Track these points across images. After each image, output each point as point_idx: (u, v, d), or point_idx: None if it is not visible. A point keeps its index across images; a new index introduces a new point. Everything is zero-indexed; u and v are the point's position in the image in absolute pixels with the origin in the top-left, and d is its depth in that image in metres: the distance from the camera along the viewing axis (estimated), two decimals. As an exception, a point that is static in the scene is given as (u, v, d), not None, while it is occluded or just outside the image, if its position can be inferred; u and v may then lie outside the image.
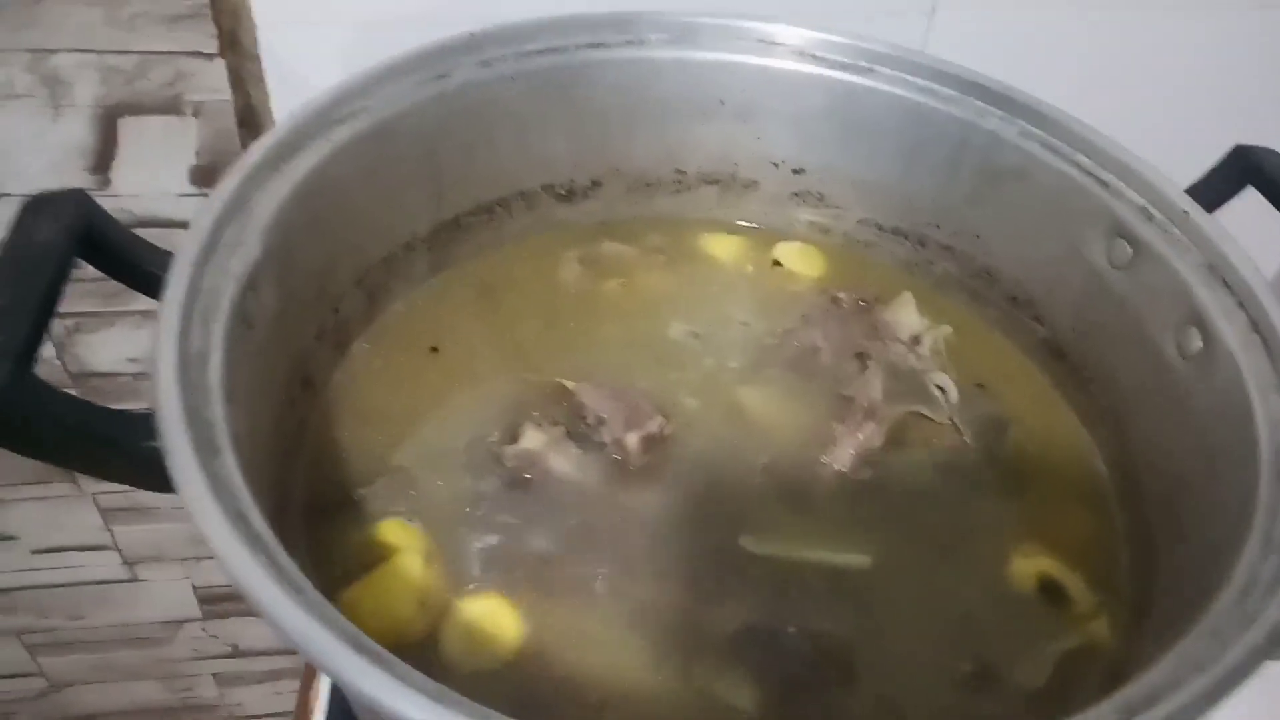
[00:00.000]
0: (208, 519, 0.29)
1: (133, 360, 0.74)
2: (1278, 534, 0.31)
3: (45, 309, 0.34)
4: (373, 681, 0.26)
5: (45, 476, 0.84)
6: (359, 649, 0.26)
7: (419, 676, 0.26)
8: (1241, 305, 0.39)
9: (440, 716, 0.25)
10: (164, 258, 0.39)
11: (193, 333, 0.35)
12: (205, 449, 0.32)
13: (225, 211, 0.39)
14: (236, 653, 1.07)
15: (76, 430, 0.33)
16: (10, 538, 0.89)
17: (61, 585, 0.95)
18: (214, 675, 1.10)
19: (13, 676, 1.05)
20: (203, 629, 1.03)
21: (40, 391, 0.33)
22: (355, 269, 0.49)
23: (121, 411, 0.34)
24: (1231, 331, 0.39)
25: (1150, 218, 0.44)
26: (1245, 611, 0.29)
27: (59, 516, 0.88)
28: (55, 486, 0.85)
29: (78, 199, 0.38)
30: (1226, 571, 0.31)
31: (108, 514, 0.88)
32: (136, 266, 0.40)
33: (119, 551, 0.92)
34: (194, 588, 0.98)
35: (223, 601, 1.00)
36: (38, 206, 0.38)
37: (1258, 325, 0.38)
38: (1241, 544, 0.31)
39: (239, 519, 0.30)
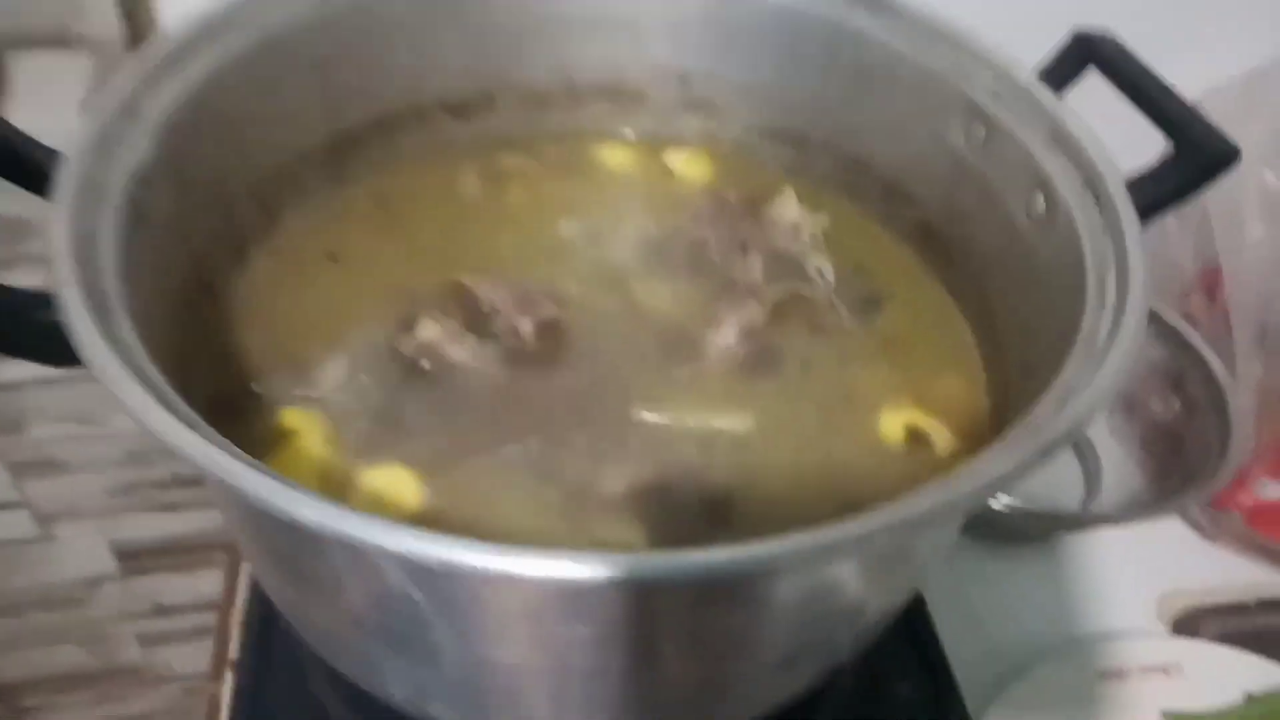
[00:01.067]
0: (111, 371, 0.31)
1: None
2: (1095, 353, 0.36)
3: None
4: (310, 506, 0.28)
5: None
6: (261, 470, 0.29)
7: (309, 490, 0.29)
8: (1077, 165, 0.43)
9: (376, 527, 0.28)
10: (55, 156, 0.41)
11: (85, 217, 0.37)
12: (102, 314, 0.34)
13: (118, 112, 0.41)
14: (158, 611, 1.08)
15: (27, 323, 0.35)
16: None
17: (-32, 549, 0.95)
18: (137, 636, 1.10)
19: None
20: (122, 587, 1.04)
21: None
22: (249, 178, 0.50)
23: (16, 288, 0.36)
24: (1069, 188, 0.43)
25: (1000, 98, 0.48)
26: (1062, 412, 0.33)
27: (-36, 474, 0.88)
28: (-43, 441, 0.85)
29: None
30: (1051, 383, 0.35)
31: (15, 469, 0.88)
32: (28, 163, 0.41)
33: (29, 509, 0.93)
34: (110, 544, 0.99)
35: (141, 557, 1.01)
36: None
37: (1090, 182, 0.42)
38: (1064, 359, 0.35)
39: (140, 373, 0.32)
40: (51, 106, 0.65)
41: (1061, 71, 0.50)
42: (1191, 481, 0.69)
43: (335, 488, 0.42)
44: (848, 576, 0.36)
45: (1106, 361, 0.33)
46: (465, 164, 0.59)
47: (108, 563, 1.00)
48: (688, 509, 0.42)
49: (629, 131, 0.62)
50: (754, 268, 0.51)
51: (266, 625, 0.60)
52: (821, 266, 0.53)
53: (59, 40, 0.62)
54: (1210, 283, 0.77)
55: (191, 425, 0.30)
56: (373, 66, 0.54)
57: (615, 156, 0.61)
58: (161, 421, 0.30)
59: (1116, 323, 0.35)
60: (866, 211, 0.57)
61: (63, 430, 0.86)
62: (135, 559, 1.01)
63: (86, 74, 0.64)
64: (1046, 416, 0.33)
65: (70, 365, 0.35)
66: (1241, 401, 0.69)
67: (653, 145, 0.61)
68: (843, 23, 0.53)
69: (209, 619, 1.09)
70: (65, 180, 0.38)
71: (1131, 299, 0.36)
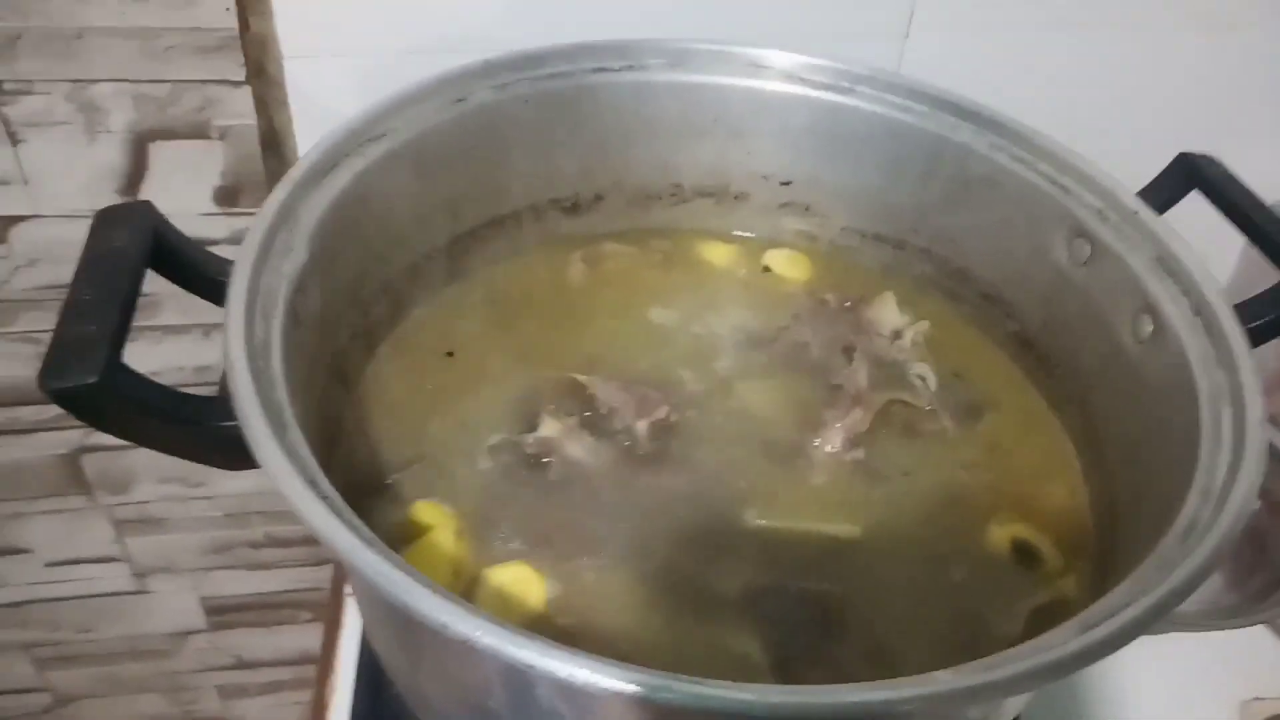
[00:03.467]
0: (289, 484, 0.34)
1: (153, 373, 0.78)
2: (1214, 487, 0.36)
3: (128, 305, 0.39)
4: (446, 610, 0.30)
5: (60, 490, 0.88)
6: (429, 586, 0.31)
7: (481, 609, 0.31)
8: (1185, 292, 0.44)
9: (496, 635, 0.29)
10: (223, 265, 0.44)
11: (255, 327, 0.40)
12: (278, 426, 0.36)
13: (276, 219, 0.44)
14: (240, 664, 1.10)
15: (162, 412, 0.38)
16: (24, 551, 0.92)
17: (72, 598, 0.98)
18: (217, 688, 1.13)
19: (19, 692, 1.08)
20: (208, 640, 1.06)
21: (131, 377, 0.37)
22: (383, 276, 0.53)
23: (197, 395, 0.39)
24: (1177, 315, 0.44)
25: (1105, 218, 0.49)
26: (1187, 546, 0.34)
27: (72, 529, 0.91)
28: (70, 500, 0.89)
29: (146, 210, 0.43)
30: (1173, 519, 0.36)
31: (120, 526, 0.92)
32: (199, 274, 0.44)
33: (129, 563, 0.96)
34: (200, 599, 1.01)
35: (228, 613, 1.03)
36: (110, 217, 0.42)
37: (1200, 309, 0.43)
38: (1185, 496, 0.36)
39: (312, 483, 0.34)
40: (184, 193, 0.69)
41: (1165, 192, 0.51)
42: (1275, 584, 0.68)
43: (465, 582, 0.44)
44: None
45: (1228, 505, 0.34)
46: (573, 254, 0.61)
47: (197, 617, 1.03)
48: (800, 614, 0.44)
49: (731, 229, 0.64)
50: (859, 372, 0.53)
51: (374, 690, 0.62)
52: (923, 373, 0.54)
53: (199, 133, 0.66)
54: (1294, 381, 0.77)
55: (368, 542, 0.32)
56: (495, 169, 0.57)
57: (717, 253, 0.63)
58: (342, 539, 0.32)
59: (1236, 463, 0.36)
60: (966, 318, 0.58)
61: (166, 490, 0.89)
62: (222, 614, 1.03)
63: (219, 163, 0.68)
64: (1172, 557, 0.34)
65: (243, 469, 0.37)
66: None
67: (753, 243, 0.63)
68: (947, 136, 0.55)
69: (286, 673, 1.12)
70: (236, 290, 0.40)
71: (1250, 439, 0.37)
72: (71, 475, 0.87)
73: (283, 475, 0.34)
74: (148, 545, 0.94)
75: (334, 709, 0.64)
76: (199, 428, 0.38)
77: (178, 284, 0.45)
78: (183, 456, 0.40)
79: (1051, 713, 0.66)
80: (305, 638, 1.07)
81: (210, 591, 1.01)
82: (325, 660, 0.69)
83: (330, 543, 0.33)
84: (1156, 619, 0.31)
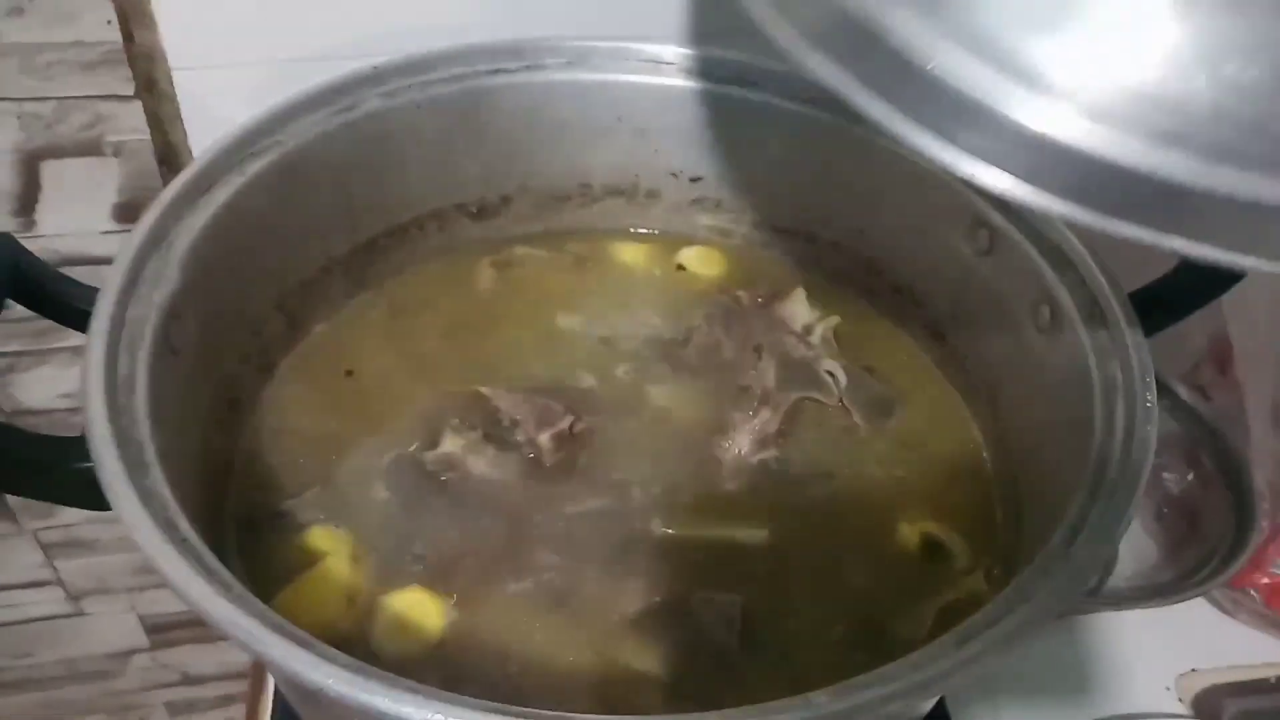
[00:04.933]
0: (140, 529, 0.32)
1: (65, 395, 0.76)
2: (1105, 485, 0.36)
3: (-23, 346, 0.37)
4: (296, 658, 0.29)
5: (-18, 517, 0.86)
6: (283, 633, 0.30)
7: (338, 653, 0.29)
8: (1083, 282, 0.44)
9: (354, 685, 0.28)
10: (90, 294, 0.42)
11: (120, 361, 0.38)
12: (135, 466, 0.35)
13: (145, 245, 0.42)
14: (187, 680, 1.08)
15: (11, 454, 0.36)
16: (-48, 580, 0.90)
17: (6, 624, 0.96)
18: (165, 705, 1.11)
19: (-40, 720, 1.06)
20: (152, 658, 1.04)
21: (-17, 424, 0.35)
22: (275, 293, 0.51)
23: (53, 436, 0.37)
24: (1073, 306, 0.43)
25: (1004, 207, 0.48)
26: (1070, 551, 0.33)
27: (0, 555, 0.89)
28: (-4, 525, 0.87)
29: (3, 242, 0.41)
30: (1061, 518, 0.35)
31: (49, 549, 0.89)
32: (65, 304, 0.42)
33: (62, 586, 0.94)
34: (140, 618, 0.99)
35: (171, 630, 1.01)
36: (-35, 250, 0.40)
37: (1096, 300, 0.43)
38: (1073, 493, 0.36)
39: (169, 526, 0.33)
40: (82, 212, 0.67)
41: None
42: (1208, 557, 0.68)
43: (361, 610, 0.43)
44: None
45: (1116, 501, 0.34)
46: (480, 260, 0.60)
47: (138, 636, 1.01)
48: (704, 626, 0.43)
49: (642, 228, 0.63)
50: (767, 372, 0.52)
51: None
52: (833, 369, 0.53)
53: (92, 150, 0.64)
54: (1220, 355, 0.77)
55: (222, 587, 0.31)
56: (391, 177, 0.55)
57: (629, 252, 0.62)
58: (194, 587, 0.31)
59: (1126, 456, 0.36)
60: (878, 311, 0.57)
61: (92, 513, 0.87)
62: (164, 632, 1.01)
63: (116, 179, 0.66)
64: (1055, 560, 0.33)
65: (101, 509, 0.36)
66: (1257, 479, 0.69)
67: (666, 241, 0.62)
68: (848, 128, 0.54)
69: (235, 686, 1.10)
70: (98, 325, 0.39)
71: (1139, 434, 0.36)
72: (-6, 502, 0.84)
73: (135, 519, 0.33)
74: (79, 567, 0.92)
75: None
76: (54, 470, 0.36)
77: (44, 315, 0.43)
78: (46, 499, 0.38)
79: (984, 687, 0.66)
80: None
81: (149, 610, 0.98)
82: (255, 682, 0.68)
83: (181, 591, 0.31)
84: (1030, 633, 0.30)
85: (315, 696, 0.33)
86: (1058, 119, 0.27)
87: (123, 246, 0.42)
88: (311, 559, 0.44)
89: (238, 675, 1.10)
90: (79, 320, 0.42)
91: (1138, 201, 0.27)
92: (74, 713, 1.08)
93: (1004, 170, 0.28)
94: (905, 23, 0.28)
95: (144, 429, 0.36)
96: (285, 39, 0.60)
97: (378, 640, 0.42)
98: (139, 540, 0.32)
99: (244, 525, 0.45)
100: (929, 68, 0.28)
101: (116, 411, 0.36)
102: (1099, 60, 0.27)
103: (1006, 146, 0.28)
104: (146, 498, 0.33)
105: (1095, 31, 0.27)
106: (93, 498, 0.35)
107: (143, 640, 1.02)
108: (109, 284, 0.40)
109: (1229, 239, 0.27)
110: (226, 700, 1.13)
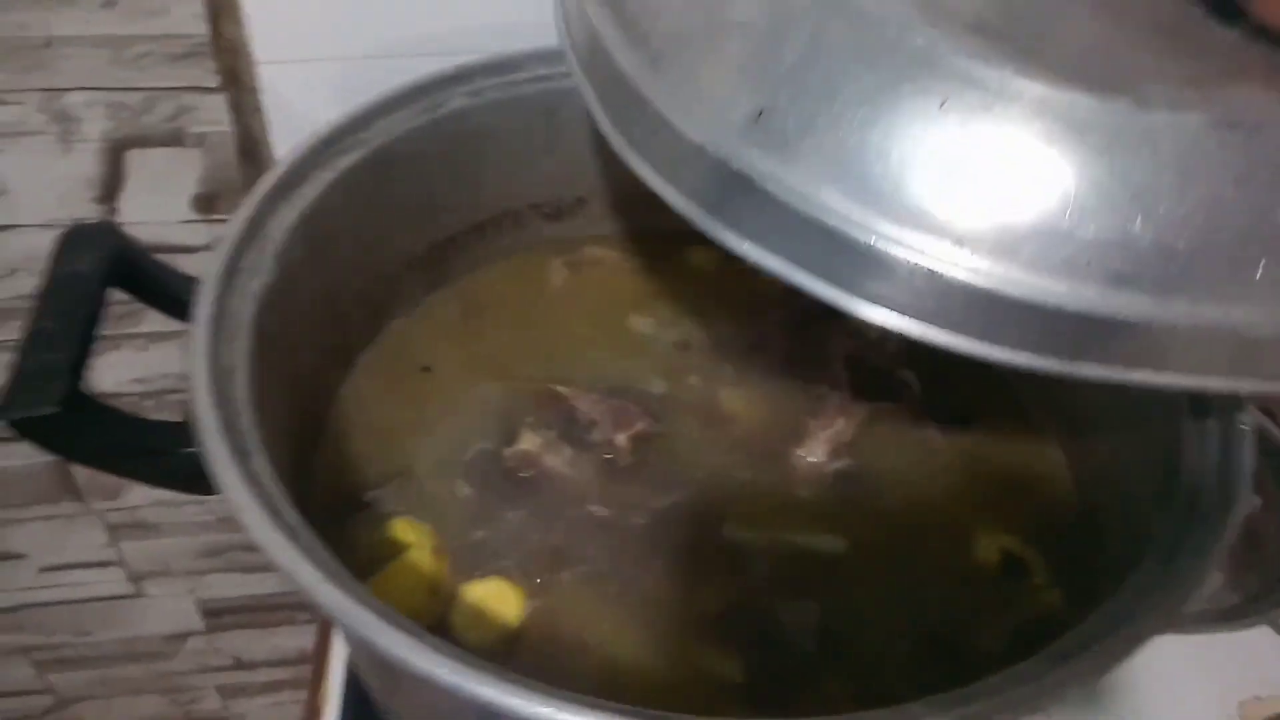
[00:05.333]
0: (248, 513, 0.33)
1: (138, 380, 0.77)
2: (1199, 507, 0.36)
3: (88, 332, 0.38)
4: (403, 645, 0.29)
5: (52, 496, 0.88)
6: (390, 620, 0.30)
7: (443, 642, 0.30)
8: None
9: (460, 674, 0.29)
10: (189, 283, 0.43)
11: (220, 350, 0.39)
12: (239, 453, 0.35)
13: (242, 237, 0.43)
14: (239, 665, 1.10)
15: (124, 440, 0.37)
16: (18, 556, 0.92)
17: (68, 602, 0.98)
18: (217, 688, 1.13)
19: (20, 694, 1.08)
20: (206, 642, 1.06)
21: (91, 406, 0.36)
22: (357, 288, 0.52)
23: (159, 421, 0.38)
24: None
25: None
26: (1167, 571, 0.33)
27: (66, 534, 0.91)
28: (63, 505, 0.88)
29: (109, 230, 0.42)
30: (1154, 535, 0.35)
31: (113, 530, 0.91)
32: (163, 291, 0.43)
33: (124, 567, 0.96)
34: (197, 602, 1.01)
35: (225, 615, 1.03)
36: (73, 239, 0.41)
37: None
38: (1163, 513, 0.36)
39: (274, 511, 0.34)
40: (162, 201, 0.68)
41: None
42: (1273, 582, 0.68)
43: (443, 600, 0.43)
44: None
45: (1211, 522, 0.33)
46: (553, 259, 0.60)
47: (194, 619, 1.03)
48: (781, 632, 0.43)
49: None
50: (842, 379, 0.52)
51: (364, 698, 0.61)
52: (909, 378, 0.53)
53: (174, 140, 0.65)
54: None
55: (330, 575, 0.32)
56: (472, 176, 0.56)
57: (701, 256, 0.62)
58: (303, 572, 0.31)
59: (1221, 478, 0.35)
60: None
61: (158, 495, 0.88)
62: (219, 616, 1.03)
63: (196, 170, 0.67)
64: (1154, 578, 0.33)
65: (209, 494, 0.37)
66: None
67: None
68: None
69: (285, 673, 1.11)
70: (201, 315, 0.39)
71: (1234, 455, 0.36)
72: (62, 481, 0.86)
73: (243, 504, 0.34)
74: (141, 550, 0.94)
75: (326, 716, 0.64)
76: (162, 455, 0.37)
77: (145, 302, 0.44)
78: (147, 483, 0.39)
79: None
80: (303, 638, 1.07)
81: (206, 594, 1.00)
82: (318, 667, 0.68)
83: (290, 575, 0.32)
84: (1131, 651, 0.30)
85: (415, 683, 0.33)
86: (962, 263, 0.28)
87: (220, 238, 0.43)
88: (395, 550, 0.45)
89: (287, 662, 1.11)
90: (176, 308, 0.43)
91: (1053, 338, 0.29)
92: (128, 691, 1.10)
93: (907, 316, 0.30)
94: (789, 175, 0.29)
95: (245, 417, 0.37)
96: (367, 36, 0.61)
97: (457, 629, 0.42)
98: (247, 524, 0.33)
99: (329, 516, 0.46)
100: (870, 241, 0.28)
101: (220, 399, 0.37)
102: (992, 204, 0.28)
103: (908, 293, 0.29)
104: (252, 483, 0.34)
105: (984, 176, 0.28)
106: (197, 482, 0.36)
107: (198, 624, 1.04)
108: (210, 274, 0.41)
109: (1183, 367, 0.29)
110: (275, 686, 1.15)
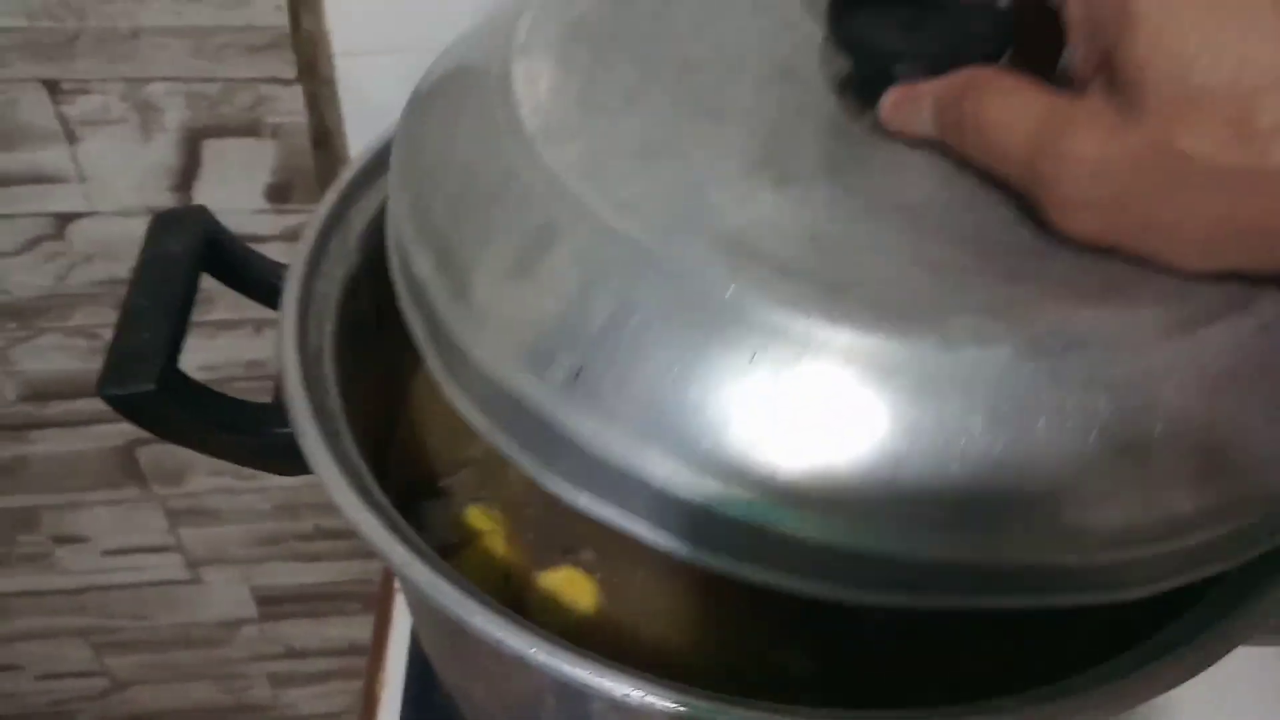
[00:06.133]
0: (341, 493, 0.34)
1: (206, 368, 0.79)
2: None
3: (182, 313, 0.39)
4: (497, 625, 0.30)
5: (115, 481, 0.90)
6: (482, 600, 0.31)
7: (533, 624, 0.31)
8: None
9: (551, 654, 0.30)
10: (275, 268, 0.44)
11: (309, 334, 0.40)
12: (330, 435, 0.36)
13: (327, 225, 0.44)
14: (290, 653, 1.12)
15: (217, 419, 0.38)
16: (82, 539, 0.95)
17: (127, 586, 1.00)
18: (268, 676, 1.15)
19: (79, 675, 1.10)
20: (259, 630, 1.08)
21: (186, 385, 0.37)
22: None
23: (252, 402, 0.39)
24: None
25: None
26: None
27: (128, 519, 0.93)
28: (126, 490, 0.91)
29: (200, 215, 0.43)
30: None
31: (173, 516, 0.93)
32: (253, 277, 0.45)
33: (182, 553, 0.98)
34: (252, 590, 1.03)
35: (279, 603, 1.05)
36: (166, 221, 0.43)
37: None
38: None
39: (364, 491, 0.35)
40: (236, 190, 0.70)
41: None
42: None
43: (516, 587, 0.44)
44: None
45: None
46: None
47: (248, 607, 1.05)
48: (865, 623, 0.43)
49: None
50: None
51: (425, 685, 0.62)
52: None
53: (251, 130, 0.66)
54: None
55: (420, 554, 0.32)
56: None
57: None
58: (396, 552, 0.32)
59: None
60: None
61: (218, 483, 0.90)
62: (273, 604, 1.05)
63: (270, 160, 0.69)
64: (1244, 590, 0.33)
65: (297, 474, 0.38)
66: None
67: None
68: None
69: (335, 663, 1.13)
70: (289, 299, 0.41)
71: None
72: (126, 467, 0.88)
73: (336, 485, 0.35)
74: (200, 536, 0.96)
75: (384, 704, 0.65)
76: (254, 435, 0.38)
77: (231, 287, 0.45)
78: (236, 462, 0.40)
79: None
80: (354, 629, 1.08)
81: (261, 582, 1.02)
82: (375, 653, 0.69)
83: (384, 554, 0.33)
84: (1220, 656, 0.30)
85: (498, 664, 0.34)
86: (788, 521, 0.28)
87: (308, 226, 0.44)
88: (469, 536, 0.45)
89: (337, 652, 1.13)
90: (265, 294, 0.44)
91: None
92: (182, 677, 1.13)
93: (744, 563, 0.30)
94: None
95: (334, 399, 0.38)
96: (444, 27, 0.61)
97: (532, 616, 0.43)
98: (340, 504, 0.34)
99: (403, 500, 0.47)
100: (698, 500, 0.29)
101: (310, 382, 0.38)
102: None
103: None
104: (343, 463, 0.35)
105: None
106: (286, 462, 0.37)
107: (252, 611, 1.06)
108: (297, 260, 0.42)
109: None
110: (324, 676, 1.16)
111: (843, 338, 0.28)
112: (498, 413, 0.33)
